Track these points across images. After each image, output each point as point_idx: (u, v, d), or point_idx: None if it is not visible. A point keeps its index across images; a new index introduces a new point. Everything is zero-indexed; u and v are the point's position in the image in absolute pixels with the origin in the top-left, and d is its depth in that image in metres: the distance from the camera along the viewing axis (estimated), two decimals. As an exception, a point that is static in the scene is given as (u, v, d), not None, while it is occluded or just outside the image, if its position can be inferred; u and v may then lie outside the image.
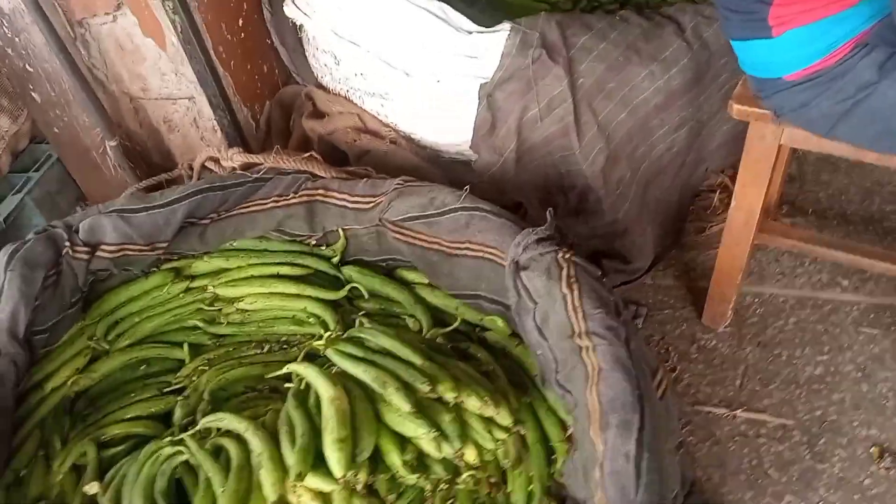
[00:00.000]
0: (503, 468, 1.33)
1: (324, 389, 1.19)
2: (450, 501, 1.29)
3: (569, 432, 1.33)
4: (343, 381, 1.23)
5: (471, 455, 1.23)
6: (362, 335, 1.31)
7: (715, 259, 1.62)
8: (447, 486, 1.27)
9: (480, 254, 1.41)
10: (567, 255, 1.30)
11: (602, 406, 1.11)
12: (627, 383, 1.11)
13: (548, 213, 1.39)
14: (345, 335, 1.33)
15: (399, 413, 1.17)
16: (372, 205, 1.54)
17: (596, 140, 1.66)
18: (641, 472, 1.02)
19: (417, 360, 1.24)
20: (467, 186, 1.46)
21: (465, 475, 1.26)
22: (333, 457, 1.10)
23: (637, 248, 1.78)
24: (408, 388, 1.18)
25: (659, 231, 1.86)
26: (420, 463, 1.23)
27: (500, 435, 1.25)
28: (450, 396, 1.20)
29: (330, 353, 1.27)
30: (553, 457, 1.32)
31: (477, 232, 1.40)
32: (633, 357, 1.15)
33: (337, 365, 1.28)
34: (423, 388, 1.18)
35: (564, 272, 1.27)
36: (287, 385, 1.31)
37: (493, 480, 1.30)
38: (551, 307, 1.25)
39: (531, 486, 1.30)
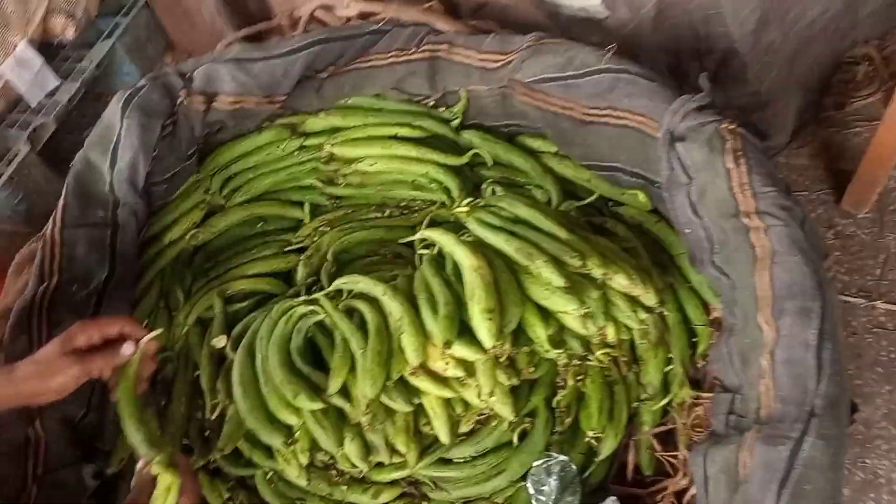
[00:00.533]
0: (635, 349, 1.29)
1: (464, 258, 1.13)
2: (580, 377, 1.27)
3: (712, 315, 1.28)
4: (482, 250, 1.17)
5: (612, 333, 1.18)
6: (500, 203, 1.23)
7: (856, 138, 1.48)
8: (580, 362, 1.23)
9: (624, 121, 1.29)
10: (732, 126, 1.18)
11: (775, 291, 1.04)
12: (806, 268, 1.02)
13: (702, 77, 1.26)
14: (481, 203, 1.25)
15: (546, 287, 1.11)
16: (501, 63, 1.42)
17: (749, -1, 1.48)
18: (823, 363, 0.95)
19: (562, 232, 1.17)
20: (613, 45, 1.32)
21: (599, 353, 1.22)
22: (483, 327, 1.05)
23: (777, 123, 1.63)
24: (556, 262, 1.11)
25: (799, 105, 1.71)
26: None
27: (643, 315, 1.19)
28: (598, 273, 1.14)
29: (471, 221, 1.20)
30: (694, 340, 1.27)
31: (623, 97, 1.28)
32: (810, 240, 1.06)
33: (473, 234, 1.21)
34: (574, 262, 1.11)
35: (730, 145, 1.15)
36: (420, 252, 1.26)
37: (624, 359, 1.26)
38: (711, 183, 1.15)
39: (668, 368, 1.26)
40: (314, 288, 1.31)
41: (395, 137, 1.44)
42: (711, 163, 1.15)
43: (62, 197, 1.31)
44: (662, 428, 1.29)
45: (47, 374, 0.97)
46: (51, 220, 1.30)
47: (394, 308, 1.14)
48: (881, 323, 1.44)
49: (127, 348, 1.03)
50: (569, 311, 1.10)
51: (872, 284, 1.50)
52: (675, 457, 1.25)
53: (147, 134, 1.30)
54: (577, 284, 1.12)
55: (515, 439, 1.21)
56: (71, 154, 1.35)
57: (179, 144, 1.37)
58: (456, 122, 1.47)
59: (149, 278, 1.38)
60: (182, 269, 1.42)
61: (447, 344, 1.05)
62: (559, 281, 1.08)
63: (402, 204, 1.46)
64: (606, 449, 1.24)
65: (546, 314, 1.14)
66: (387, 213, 1.44)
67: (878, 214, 1.58)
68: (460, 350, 1.07)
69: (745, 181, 1.13)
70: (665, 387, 1.28)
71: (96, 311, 1.28)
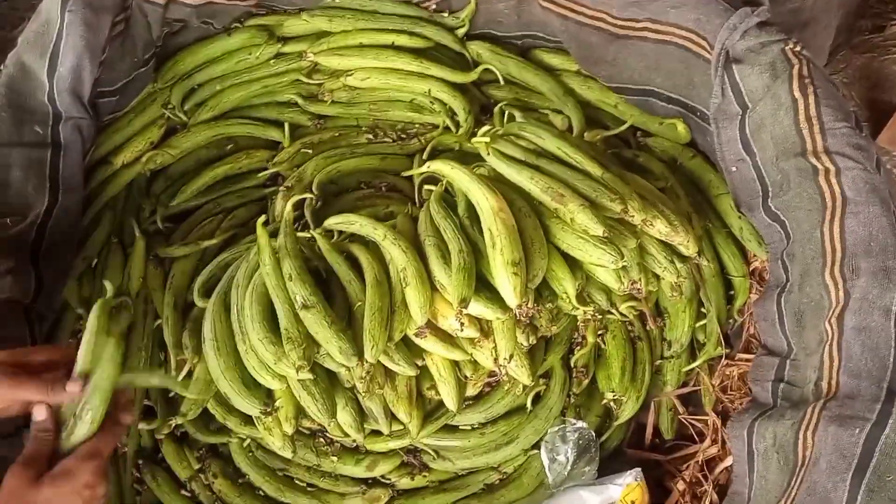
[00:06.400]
0: (659, 301, 1.15)
1: (483, 198, 0.95)
2: (600, 333, 1.13)
3: (751, 266, 1.13)
4: (500, 188, 0.99)
5: (645, 287, 1.03)
6: (525, 132, 1.04)
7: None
8: (602, 316, 1.08)
9: (667, 37, 1.10)
10: (799, 49, 1.00)
11: (847, 246, 0.89)
12: (886, 220, 0.88)
13: (764, -15, 1.06)
14: (500, 131, 1.06)
15: (580, 235, 0.94)
16: (518, -40, 1.20)
17: None
18: (909, 335, 0.82)
19: (596, 169, 0.99)
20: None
21: (623, 306, 1.07)
22: (508, 282, 0.89)
23: (815, 46, 1.46)
24: (593, 206, 0.94)
25: (838, 26, 1.53)
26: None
27: (681, 266, 1.04)
28: (637, 218, 0.97)
29: (491, 156, 1.01)
30: (731, 293, 1.13)
31: (668, 8, 1.08)
32: (889, 187, 0.91)
33: (489, 168, 1.03)
34: (614, 207, 0.94)
35: (796, 70, 0.98)
36: (427, 187, 1.07)
37: (649, 314, 1.12)
38: (772, 114, 0.99)
39: (699, 324, 1.12)
40: (297, 226, 1.12)
41: (391, 47, 1.22)
42: (774, 90, 0.98)
43: (-10, 108, 1.08)
44: (685, 389, 1.17)
45: None
46: (-25, 138, 1.07)
47: (396, 255, 0.96)
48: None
49: (73, 385, 0.79)
50: (605, 263, 0.94)
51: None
52: (701, 421, 1.14)
53: (93, 33, 1.06)
54: (613, 232, 0.95)
55: (529, 404, 1.08)
56: (1, 55, 1.11)
57: (133, 46, 1.13)
58: (462, 31, 1.26)
59: (97, 208, 1.17)
60: (137, 198, 1.21)
61: (463, 301, 0.88)
62: (597, 229, 0.91)
63: (398, 127, 1.25)
64: (626, 413, 1.12)
65: (573, 264, 0.98)
66: (379, 137, 1.24)
67: (917, 152, 1.45)
68: (479, 309, 0.91)
69: (813, 114, 0.96)
70: (691, 344, 1.16)
71: (36, 248, 1.07)
